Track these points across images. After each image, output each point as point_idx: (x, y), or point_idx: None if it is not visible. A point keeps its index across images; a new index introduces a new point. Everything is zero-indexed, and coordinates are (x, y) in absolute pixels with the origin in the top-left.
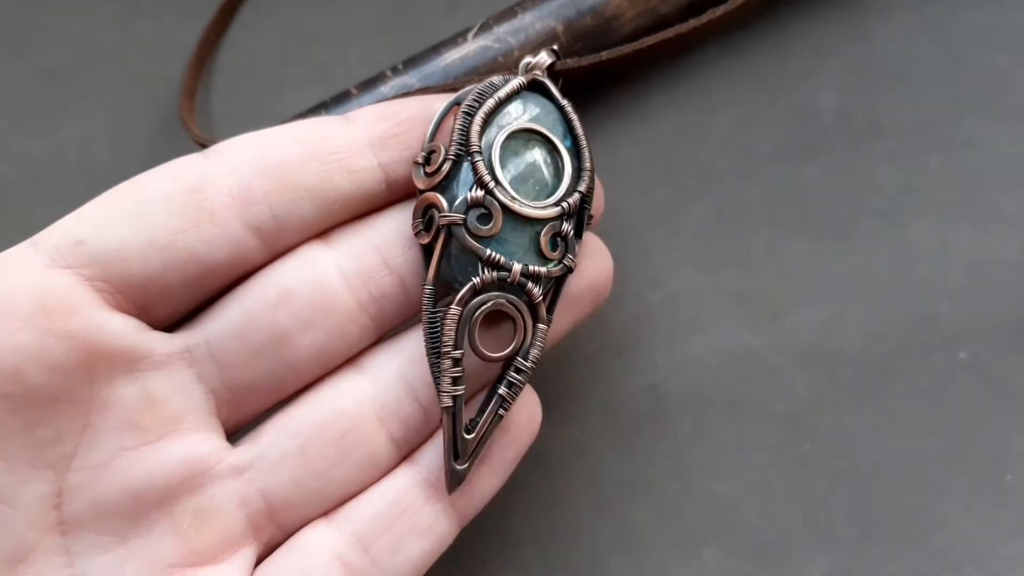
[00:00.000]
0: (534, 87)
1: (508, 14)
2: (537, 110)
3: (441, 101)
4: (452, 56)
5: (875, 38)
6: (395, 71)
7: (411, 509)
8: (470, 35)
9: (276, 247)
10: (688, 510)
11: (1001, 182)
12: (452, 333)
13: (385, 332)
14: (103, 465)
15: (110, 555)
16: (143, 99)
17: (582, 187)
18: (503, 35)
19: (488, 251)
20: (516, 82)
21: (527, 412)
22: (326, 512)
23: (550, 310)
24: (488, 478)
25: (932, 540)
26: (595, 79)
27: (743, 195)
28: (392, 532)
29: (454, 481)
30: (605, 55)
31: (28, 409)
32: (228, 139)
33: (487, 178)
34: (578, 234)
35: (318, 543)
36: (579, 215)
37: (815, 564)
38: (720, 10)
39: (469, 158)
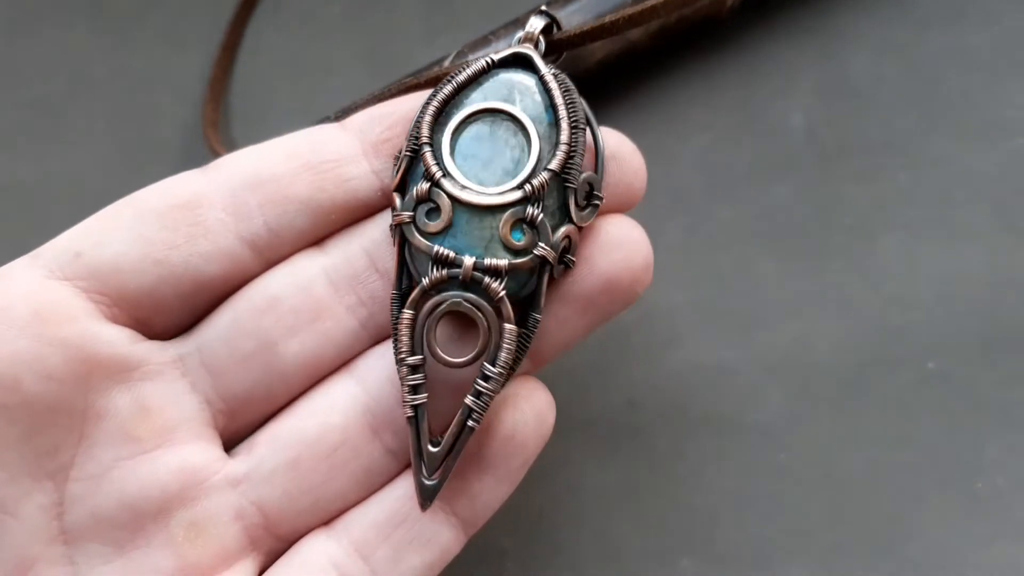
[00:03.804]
0: (518, 61)
1: (482, 42)
2: (512, 86)
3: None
4: None
5: (843, 59)
6: None
7: (411, 519)
8: (446, 63)
9: (271, 258)
10: (666, 522)
11: (968, 198)
12: (406, 338)
13: (379, 336)
14: (100, 475)
15: (111, 566)
16: (133, 128)
17: (554, 164)
18: None
19: (436, 247)
20: (482, 62)
21: (535, 414)
22: (327, 521)
23: (535, 308)
24: (494, 487)
25: (906, 548)
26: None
27: (716, 214)
28: (391, 542)
29: (425, 496)
30: (608, 18)
31: (26, 419)
32: (227, 154)
33: (433, 169)
34: (564, 218)
35: (317, 553)
36: (562, 196)
37: (791, 574)
38: None
39: (419, 151)
